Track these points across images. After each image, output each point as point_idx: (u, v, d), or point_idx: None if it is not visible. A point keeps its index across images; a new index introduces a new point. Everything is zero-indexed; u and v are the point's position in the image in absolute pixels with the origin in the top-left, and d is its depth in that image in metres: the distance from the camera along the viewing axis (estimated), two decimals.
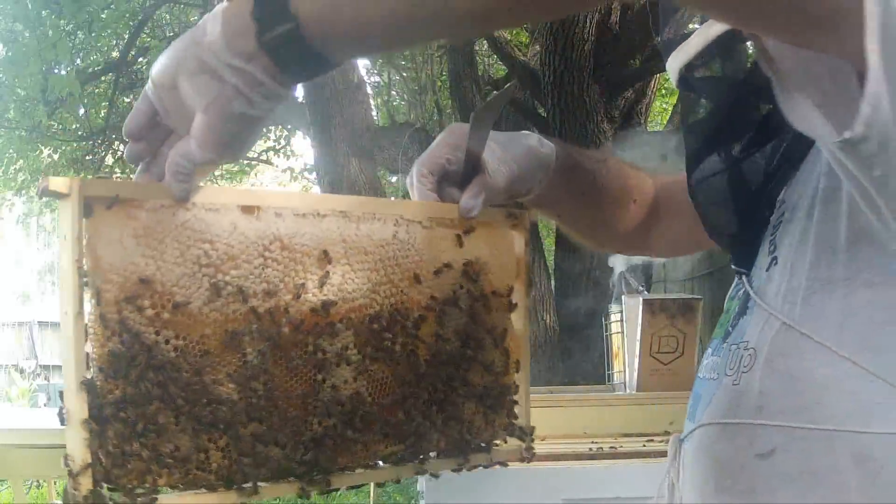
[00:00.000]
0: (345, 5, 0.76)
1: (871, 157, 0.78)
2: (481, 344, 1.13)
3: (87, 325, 0.87)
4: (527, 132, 1.18)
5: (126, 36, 7.60)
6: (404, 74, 8.80)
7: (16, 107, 7.53)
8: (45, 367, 11.86)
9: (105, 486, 0.88)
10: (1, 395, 10.52)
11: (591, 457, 2.06)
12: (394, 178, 8.69)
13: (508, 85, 0.93)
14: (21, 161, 8.92)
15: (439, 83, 8.41)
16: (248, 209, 0.95)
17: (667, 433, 2.32)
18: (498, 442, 1.18)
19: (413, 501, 6.02)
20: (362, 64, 8.56)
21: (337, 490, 1.08)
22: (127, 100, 8.57)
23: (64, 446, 0.90)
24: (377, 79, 9.55)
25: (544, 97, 6.20)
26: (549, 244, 7.16)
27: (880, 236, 0.83)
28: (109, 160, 9.26)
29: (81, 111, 8.07)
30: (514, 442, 1.19)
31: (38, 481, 6.25)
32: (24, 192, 9.80)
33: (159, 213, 0.89)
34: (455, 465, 1.13)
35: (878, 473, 0.81)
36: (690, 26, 1.01)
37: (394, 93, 9.57)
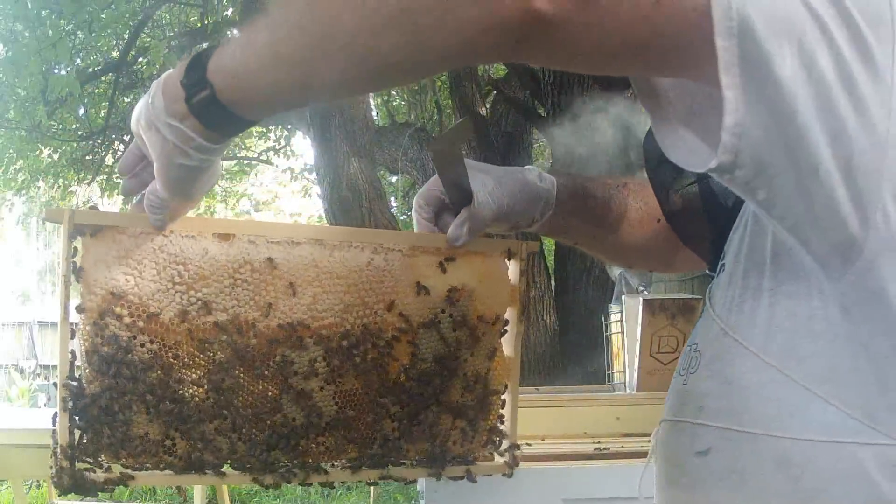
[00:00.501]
0: (248, 78, 0.87)
1: (749, 183, 0.81)
2: (462, 365, 1.19)
3: (76, 326, 1.04)
4: (529, 167, 1.23)
5: (126, 36, 7.59)
6: None
7: (16, 107, 7.52)
8: (45, 367, 11.86)
9: (82, 461, 1.05)
10: (1, 395, 10.52)
11: (591, 457, 2.06)
12: (394, 178, 8.69)
13: (461, 121, 0.97)
14: (21, 161, 8.90)
15: (439, 83, 8.40)
16: (223, 236, 1.09)
17: None
18: (479, 456, 1.24)
19: (413, 502, 6.02)
20: None
21: (311, 485, 1.17)
22: (127, 100, 8.55)
23: None
24: None
25: (544, 97, 6.20)
26: (549, 244, 7.15)
27: (797, 250, 0.85)
28: (109, 160, 9.25)
29: (81, 111, 8.07)
30: (491, 464, 1.26)
31: (38, 481, 6.25)
32: (24, 192, 9.78)
33: (139, 238, 1.06)
34: (426, 475, 1.21)
35: (798, 478, 0.83)
36: None
37: (394, 93, 9.55)
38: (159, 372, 1.06)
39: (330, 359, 1.12)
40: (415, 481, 1.26)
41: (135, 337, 1.04)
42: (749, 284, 0.91)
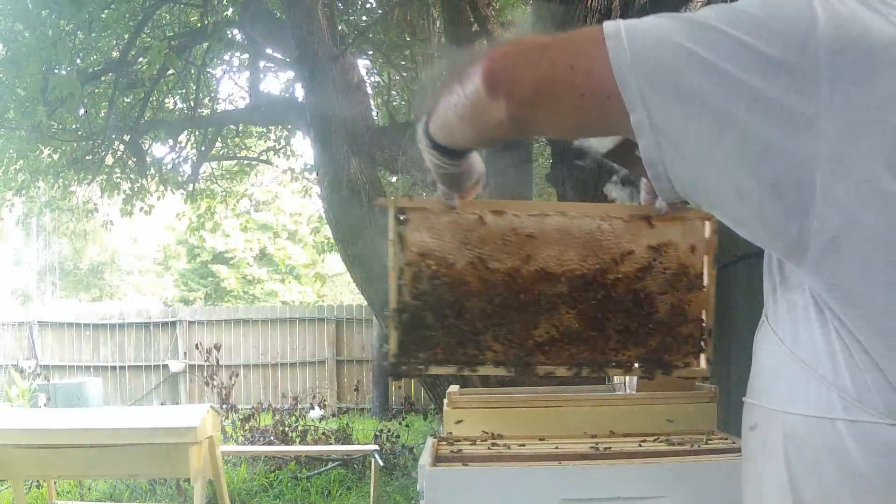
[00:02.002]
0: (442, 132, 1.32)
1: (703, 207, 1.03)
2: (669, 298, 1.69)
3: (401, 271, 1.70)
4: None
5: (126, 36, 7.58)
6: (404, 74, 8.80)
7: (16, 107, 7.50)
8: (45, 367, 11.84)
9: (406, 358, 1.71)
10: (1, 395, 10.52)
11: (591, 457, 2.06)
12: (394, 178, 8.68)
13: (622, 140, 1.38)
14: (21, 161, 8.89)
15: (439, 83, 8.39)
16: (496, 212, 1.69)
17: (666, 433, 2.32)
18: (682, 364, 1.72)
19: (413, 501, 6.02)
20: (362, 64, 8.56)
21: (550, 376, 1.76)
22: (127, 100, 8.55)
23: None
24: (377, 79, 9.53)
25: None
26: None
27: None
28: (109, 160, 9.24)
29: (81, 111, 8.05)
30: (697, 369, 1.76)
31: (38, 481, 6.24)
32: (24, 192, 9.77)
33: (440, 216, 1.69)
34: (640, 374, 1.75)
35: (800, 450, 0.95)
36: None
37: (394, 93, 9.56)
38: (455, 302, 1.67)
39: (572, 292, 1.66)
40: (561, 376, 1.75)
41: (438, 278, 1.68)
42: (773, 275, 1.04)
